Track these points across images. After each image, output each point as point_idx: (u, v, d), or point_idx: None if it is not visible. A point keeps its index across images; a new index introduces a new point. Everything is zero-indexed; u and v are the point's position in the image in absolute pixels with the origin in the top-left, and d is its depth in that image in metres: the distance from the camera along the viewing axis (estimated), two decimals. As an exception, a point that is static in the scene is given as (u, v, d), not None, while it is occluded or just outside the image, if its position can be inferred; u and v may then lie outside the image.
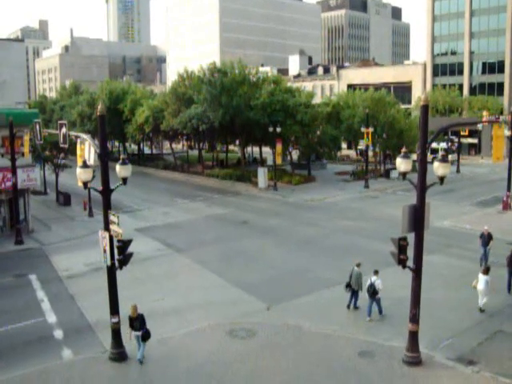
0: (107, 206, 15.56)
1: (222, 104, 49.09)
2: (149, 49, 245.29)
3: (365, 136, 48.86)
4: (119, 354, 15.92)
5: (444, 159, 14.65)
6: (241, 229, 34.05)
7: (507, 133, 33.39)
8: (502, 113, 70.09)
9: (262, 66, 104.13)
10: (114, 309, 15.91)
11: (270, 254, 27.93)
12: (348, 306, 19.72)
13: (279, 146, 48.51)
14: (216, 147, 68.09)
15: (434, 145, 57.45)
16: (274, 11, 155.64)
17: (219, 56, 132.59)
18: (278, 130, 46.55)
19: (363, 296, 19.16)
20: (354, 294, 19.54)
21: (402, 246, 14.68)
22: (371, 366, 15.28)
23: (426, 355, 15.62)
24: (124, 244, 15.23)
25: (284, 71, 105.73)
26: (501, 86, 78.82)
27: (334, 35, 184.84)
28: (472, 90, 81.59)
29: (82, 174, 15.79)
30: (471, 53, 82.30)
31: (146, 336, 15.86)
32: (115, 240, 15.29)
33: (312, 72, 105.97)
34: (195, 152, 71.63)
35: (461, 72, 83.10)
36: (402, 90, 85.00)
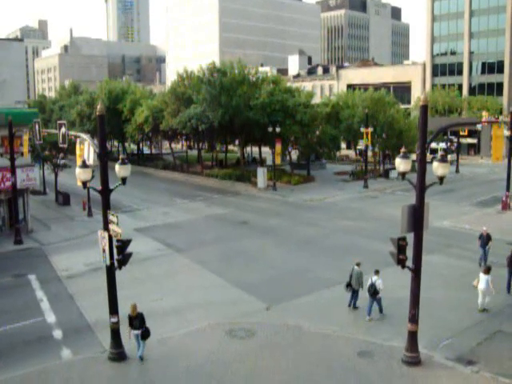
0: (106, 206, 15.55)
1: (221, 104, 49.08)
2: (148, 49, 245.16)
3: (364, 136, 48.88)
4: (118, 354, 15.91)
5: (443, 159, 14.65)
6: (240, 229, 34.04)
7: (506, 133, 33.42)
8: (501, 113, 70.13)
9: (262, 65, 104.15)
10: (114, 309, 15.91)
11: (269, 253, 27.93)
12: (349, 305, 19.75)
13: (278, 146, 48.51)
14: (215, 147, 68.07)
15: (433, 145, 57.49)
16: (274, 11, 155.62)
17: (219, 56, 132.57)
18: (278, 130, 46.54)
19: (364, 295, 19.18)
20: (355, 293, 19.56)
21: (401, 246, 14.67)
22: (371, 365, 15.28)
23: (426, 355, 15.63)
24: (123, 244, 15.22)
25: (283, 71, 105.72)
26: (500, 86, 78.85)
27: (334, 35, 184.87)
28: (471, 90, 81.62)
29: (81, 174, 15.78)
30: (471, 53, 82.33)
31: (145, 335, 15.87)
32: (114, 240, 15.27)
33: (311, 72, 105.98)
34: (194, 152, 71.60)
35: (460, 72, 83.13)
36: (402, 90, 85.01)
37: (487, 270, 19.06)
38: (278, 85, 53.28)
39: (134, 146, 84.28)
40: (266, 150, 59.50)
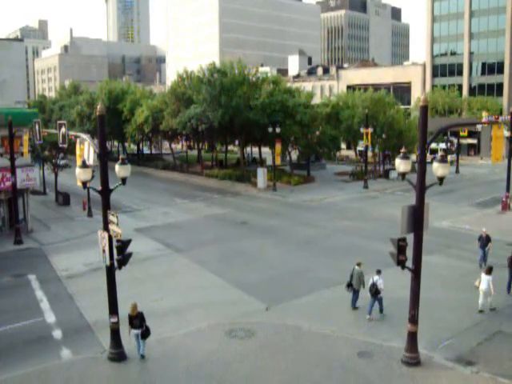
0: (106, 206, 15.55)
1: (221, 104, 49.09)
2: (148, 49, 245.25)
3: (364, 136, 48.89)
4: (118, 354, 15.91)
5: (443, 160, 14.66)
6: (240, 229, 34.05)
7: (506, 133, 33.40)
8: (501, 113, 70.15)
9: (262, 66, 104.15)
10: (113, 309, 15.91)
11: (269, 254, 27.93)
12: (353, 306, 19.77)
13: (278, 147, 48.52)
14: (215, 147, 68.09)
15: (433, 145, 57.48)
16: (274, 11, 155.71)
17: (219, 56, 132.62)
18: (278, 130, 46.55)
19: (364, 296, 19.19)
20: (355, 293, 19.58)
21: (401, 246, 14.67)
22: (370, 366, 15.28)
23: (425, 356, 15.63)
24: (123, 244, 15.22)
25: (283, 71, 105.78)
26: (500, 86, 78.89)
27: (334, 35, 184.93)
28: (471, 91, 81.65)
29: (81, 174, 15.78)
30: (471, 53, 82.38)
31: (145, 334, 15.90)
32: (114, 240, 15.28)
33: (311, 72, 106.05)
34: (194, 152, 71.60)
35: (460, 73, 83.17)
36: (402, 91, 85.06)
37: (489, 271, 19.07)
38: (278, 85, 53.30)
39: (133, 146, 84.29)
40: (265, 150, 59.53)
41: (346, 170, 59.47)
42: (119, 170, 15.53)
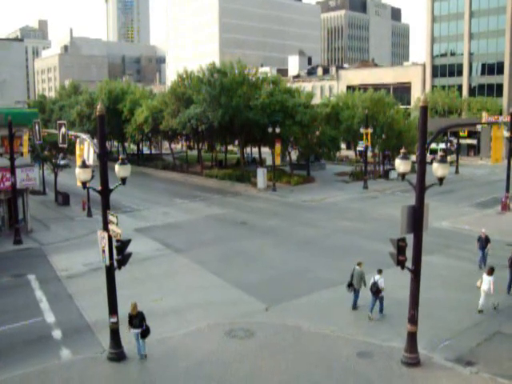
0: (106, 206, 15.55)
1: (221, 104, 49.10)
2: (148, 49, 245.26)
3: (364, 137, 48.89)
4: (118, 354, 15.92)
5: (443, 160, 14.66)
6: (240, 229, 34.05)
7: (506, 134, 33.39)
8: (501, 114, 70.16)
9: (262, 66, 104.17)
10: (113, 309, 15.92)
11: (269, 254, 27.93)
12: (355, 306, 19.78)
13: (278, 147, 48.53)
14: (215, 147, 68.09)
15: (433, 146, 57.48)
16: (274, 11, 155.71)
17: (219, 56, 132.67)
18: (277, 130, 46.55)
19: (366, 294, 19.20)
20: (356, 293, 19.59)
21: (400, 246, 14.68)
22: (370, 366, 15.28)
23: (425, 356, 15.63)
24: (123, 244, 15.22)
25: (283, 71, 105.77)
26: (500, 87, 78.88)
27: (334, 36, 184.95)
28: (471, 91, 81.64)
29: (81, 174, 15.79)
30: (470, 54, 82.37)
31: (145, 333, 15.93)
32: (114, 240, 15.28)
33: (311, 72, 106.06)
34: (194, 152, 71.59)
35: (460, 73, 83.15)
36: (402, 91, 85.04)
37: (490, 271, 19.07)
38: (278, 85, 53.32)
39: (133, 147, 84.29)
40: (265, 150, 59.55)
41: (345, 171, 59.47)
42: (119, 170, 15.54)
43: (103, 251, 15.53)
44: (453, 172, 54.60)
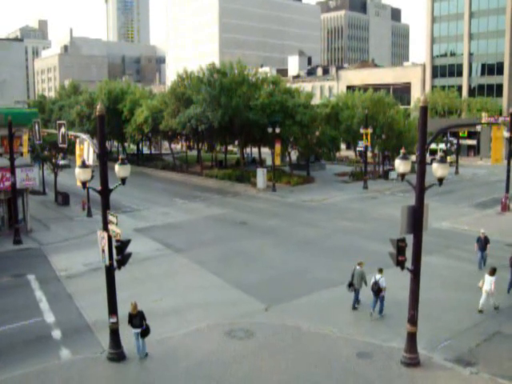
0: (106, 206, 15.55)
1: (221, 104, 49.10)
2: (148, 49, 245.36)
3: (364, 137, 48.90)
4: (117, 354, 15.91)
5: (442, 160, 14.67)
6: (240, 229, 34.05)
7: (506, 134, 33.42)
8: (500, 114, 70.18)
9: (262, 66, 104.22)
10: (113, 309, 15.91)
11: (269, 254, 27.93)
12: (354, 307, 19.79)
13: (278, 147, 48.54)
14: (215, 148, 68.08)
15: (432, 146, 57.48)
16: (274, 12, 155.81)
17: (218, 56, 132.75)
18: (277, 130, 46.55)
19: (367, 293, 19.20)
20: (356, 293, 19.61)
21: (400, 247, 14.68)
22: (370, 366, 15.28)
23: (425, 356, 15.63)
24: (123, 244, 15.22)
25: (283, 72, 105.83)
26: (500, 87, 78.93)
27: (334, 36, 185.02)
28: (471, 92, 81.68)
29: (80, 174, 15.79)
30: (470, 54, 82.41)
31: (145, 333, 15.95)
32: (114, 240, 15.28)
33: (311, 73, 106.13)
34: (194, 152, 71.58)
35: (460, 73, 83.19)
36: (401, 91, 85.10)
37: (492, 272, 19.07)
38: (278, 85, 53.33)
39: (133, 147, 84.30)
40: (265, 150, 59.54)
41: (345, 171, 59.48)
42: (119, 170, 15.54)
43: (103, 251, 15.53)
44: (452, 172, 54.63)
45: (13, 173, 29.91)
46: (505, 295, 20.59)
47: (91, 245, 27.93)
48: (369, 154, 54.20)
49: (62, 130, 25.29)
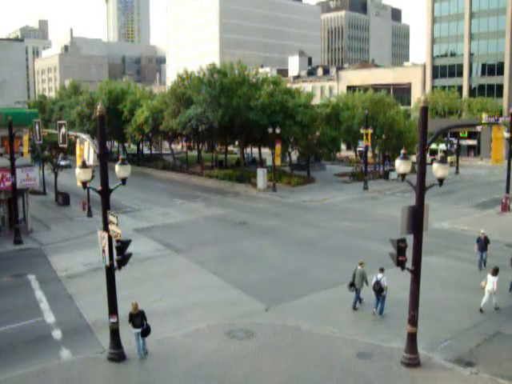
0: (106, 206, 15.55)
1: (221, 105, 49.11)
2: (148, 49, 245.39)
3: (364, 137, 48.90)
4: (118, 355, 15.91)
5: (443, 161, 14.66)
6: (240, 229, 34.05)
7: (506, 135, 33.39)
8: (501, 114, 70.17)
9: (262, 66, 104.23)
10: (113, 309, 15.91)
11: (269, 254, 27.93)
12: (354, 307, 19.79)
13: (278, 147, 48.54)
14: (215, 148, 68.10)
15: (433, 146, 57.48)
16: (274, 12, 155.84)
17: (219, 56, 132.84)
18: (278, 130, 46.56)
19: (369, 293, 19.19)
20: (357, 293, 19.61)
21: (400, 247, 14.68)
22: (370, 367, 15.28)
23: (425, 356, 15.63)
24: (123, 244, 15.23)
25: (284, 72, 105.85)
26: (500, 87, 78.95)
27: (334, 36, 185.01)
28: (471, 92, 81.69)
29: (81, 174, 15.80)
30: (471, 54, 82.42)
31: (146, 332, 15.96)
32: (114, 240, 15.28)
33: (311, 73, 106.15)
34: (194, 152, 71.65)
35: (460, 74, 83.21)
36: (402, 92, 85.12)
37: (495, 272, 19.07)
38: (278, 86, 53.33)
39: (133, 147, 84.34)
40: (265, 150, 59.54)
41: (345, 171, 59.49)
42: (119, 170, 15.55)
43: (103, 251, 15.54)
44: (453, 173, 54.63)
45: (13, 173, 29.92)
46: (505, 295, 20.57)
47: (91, 245, 27.94)
48: (369, 155, 54.21)
49: (63, 130, 25.30)
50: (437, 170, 14.60)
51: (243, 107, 49.63)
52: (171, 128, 55.87)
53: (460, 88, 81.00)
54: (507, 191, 36.85)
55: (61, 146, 27.04)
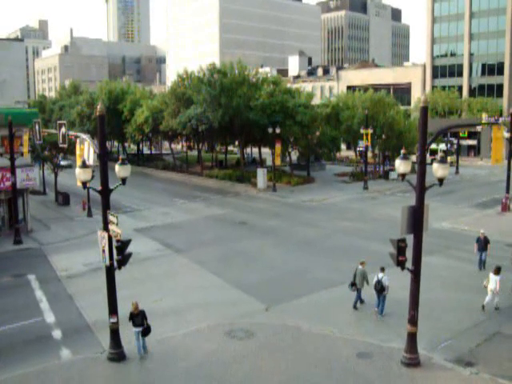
0: (106, 206, 15.55)
1: (221, 104, 49.12)
2: (148, 49, 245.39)
3: (364, 137, 48.90)
4: (118, 354, 15.91)
5: (443, 160, 14.66)
6: (240, 229, 34.05)
7: (506, 135, 33.38)
8: (501, 114, 70.17)
9: (262, 66, 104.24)
10: (113, 309, 15.91)
11: (269, 254, 27.93)
12: (354, 306, 19.80)
13: (278, 147, 48.53)
14: (215, 148, 68.10)
15: (433, 146, 57.47)
16: (274, 12, 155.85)
17: (219, 56, 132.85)
18: (278, 130, 46.56)
19: (371, 293, 19.19)
20: (358, 292, 19.62)
21: (400, 247, 14.68)
22: (370, 367, 15.28)
23: (425, 356, 15.63)
24: (123, 244, 15.23)
25: (284, 72, 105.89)
26: (500, 87, 78.95)
27: (334, 36, 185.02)
28: (471, 92, 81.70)
29: (81, 174, 15.79)
30: (471, 54, 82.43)
31: (146, 332, 15.98)
32: (114, 240, 15.28)
33: (311, 73, 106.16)
34: (194, 152, 71.66)
35: (460, 73, 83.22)
36: (402, 92, 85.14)
37: (497, 271, 19.08)
38: (278, 86, 53.34)
39: (133, 147, 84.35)
40: (265, 150, 59.56)
41: (345, 171, 59.50)
42: (119, 170, 15.55)
43: (103, 251, 15.53)
44: (453, 173, 54.63)
45: (13, 173, 29.92)
46: (505, 295, 20.56)
47: (91, 245, 27.94)
48: (369, 154, 54.21)
49: (63, 129, 25.29)
50: (437, 169, 14.59)
51: (243, 107, 49.63)
52: (171, 128, 55.87)
53: (460, 88, 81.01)
54: (507, 191, 36.85)
55: (61, 145, 27.03)
